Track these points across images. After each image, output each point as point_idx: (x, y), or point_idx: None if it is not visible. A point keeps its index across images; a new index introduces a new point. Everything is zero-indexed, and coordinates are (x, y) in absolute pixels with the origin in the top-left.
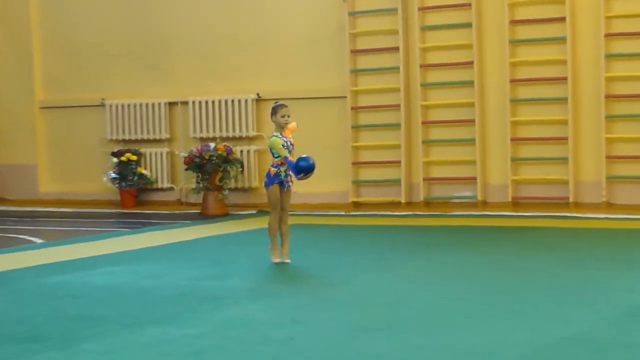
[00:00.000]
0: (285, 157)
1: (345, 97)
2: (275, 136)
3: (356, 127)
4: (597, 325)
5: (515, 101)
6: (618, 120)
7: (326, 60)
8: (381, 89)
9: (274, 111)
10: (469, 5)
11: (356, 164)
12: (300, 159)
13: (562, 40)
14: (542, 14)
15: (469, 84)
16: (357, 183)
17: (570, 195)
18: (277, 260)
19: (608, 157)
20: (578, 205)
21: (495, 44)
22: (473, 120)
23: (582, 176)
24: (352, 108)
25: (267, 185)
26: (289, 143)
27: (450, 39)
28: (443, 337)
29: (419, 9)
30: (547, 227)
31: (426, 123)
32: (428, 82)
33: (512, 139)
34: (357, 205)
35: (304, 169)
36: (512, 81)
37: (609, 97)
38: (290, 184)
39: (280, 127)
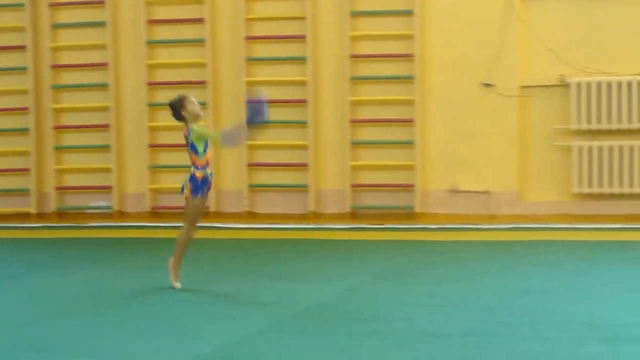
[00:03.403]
0: (222, 134)
1: None
2: (195, 126)
3: None
4: (233, 342)
5: (153, 105)
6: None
7: None
8: (7, 91)
9: (182, 105)
10: (103, 3)
11: None
12: (252, 114)
13: (201, 42)
14: (181, 14)
15: (104, 86)
16: None
17: (211, 204)
18: (179, 285)
19: (249, 165)
20: (220, 215)
21: (132, 44)
22: (108, 126)
23: (224, 185)
24: None
25: (194, 194)
26: None
27: (84, 38)
28: None
29: (50, 5)
30: None
31: (58, 128)
32: (60, 84)
33: (150, 145)
34: None
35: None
36: (150, 84)
37: None
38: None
39: (195, 118)
